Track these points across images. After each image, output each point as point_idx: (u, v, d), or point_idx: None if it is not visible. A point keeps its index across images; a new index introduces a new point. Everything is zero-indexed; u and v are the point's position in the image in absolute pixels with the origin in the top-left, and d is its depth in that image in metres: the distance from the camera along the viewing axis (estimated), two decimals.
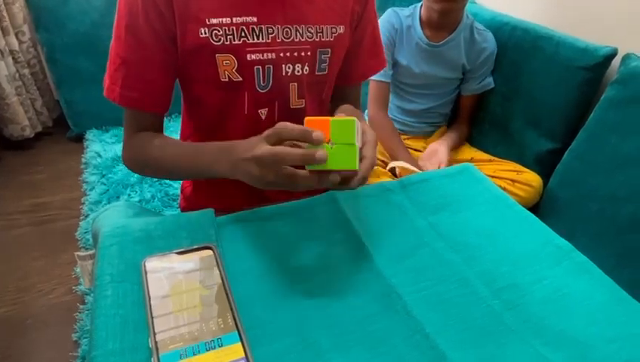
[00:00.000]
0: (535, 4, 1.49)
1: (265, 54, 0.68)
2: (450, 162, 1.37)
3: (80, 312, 1.21)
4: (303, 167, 0.52)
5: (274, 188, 0.55)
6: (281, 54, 0.69)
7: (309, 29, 0.70)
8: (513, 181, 1.32)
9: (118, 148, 1.78)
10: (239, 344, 0.43)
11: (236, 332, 0.44)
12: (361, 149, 0.53)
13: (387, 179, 1.30)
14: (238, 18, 0.65)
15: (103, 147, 1.82)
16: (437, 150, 1.37)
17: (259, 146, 0.53)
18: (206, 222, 0.59)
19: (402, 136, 1.51)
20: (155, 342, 0.42)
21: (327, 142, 0.51)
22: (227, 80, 0.68)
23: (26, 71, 1.87)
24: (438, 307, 0.51)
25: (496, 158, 1.44)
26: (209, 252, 0.53)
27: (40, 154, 1.93)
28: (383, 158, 1.42)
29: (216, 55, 0.66)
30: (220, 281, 0.49)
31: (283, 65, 0.70)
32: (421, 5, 1.39)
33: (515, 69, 1.42)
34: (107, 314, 0.46)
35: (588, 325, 0.50)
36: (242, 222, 0.61)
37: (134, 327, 0.45)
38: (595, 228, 1.15)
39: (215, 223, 0.59)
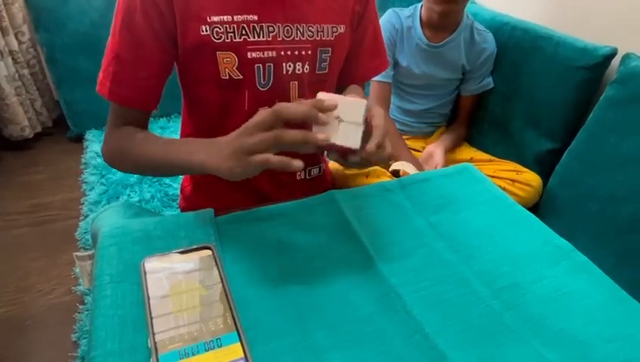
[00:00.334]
0: (535, 4, 1.49)
1: (265, 52, 0.68)
2: (450, 162, 1.37)
3: (79, 312, 1.21)
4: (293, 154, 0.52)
5: (254, 165, 0.52)
6: (282, 53, 0.69)
7: (310, 28, 0.70)
8: (513, 181, 1.32)
9: None
10: (238, 344, 0.43)
11: (235, 332, 0.44)
12: (368, 128, 0.54)
13: (387, 179, 1.30)
14: (239, 16, 0.65)
15: None
16: (433, 153, 1.37)
17: (249, 135, 0.52)
18: (205, 222, 0.59)
19: (402, 136, 1.51)
20: (154, 343, 0.42)
21: (336, 118, 0.52)
22: (228, 78, 0.68)
23: (26, 71, 1.87)
24: (438, 307, 0.51)
25: (495, 158, 1.44)
26: (208, 252, 0.53)
27: (40, 154, 1.93)
28: None
29: (217, 53, 0.66)
30: (220, 281, 0.49)
31: (283, 64, 0.70)
32: (421, 6, 1.39)
33: (515, 69, 1.42)
34: (106, 314, 0.46)
35: (587, 325, 0.50)
36: (242, 222, 0.61)
37: (133, 327, 0.45)
38: (594, 228, 1.15)
39: (214, 223, 0.59)
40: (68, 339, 1.15)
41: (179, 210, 0.95)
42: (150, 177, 1.58)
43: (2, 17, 1.72)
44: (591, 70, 1.21)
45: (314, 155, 0.85)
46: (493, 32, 1.44)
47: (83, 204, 1.58)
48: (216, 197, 0.81)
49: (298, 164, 0.51)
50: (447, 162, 1.44)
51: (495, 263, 0.57)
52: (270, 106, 0.73)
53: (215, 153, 0.57)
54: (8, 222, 1.55)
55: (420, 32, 1.38)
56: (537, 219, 0.65)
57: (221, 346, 0.43)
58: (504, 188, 1.23)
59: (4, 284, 1.31)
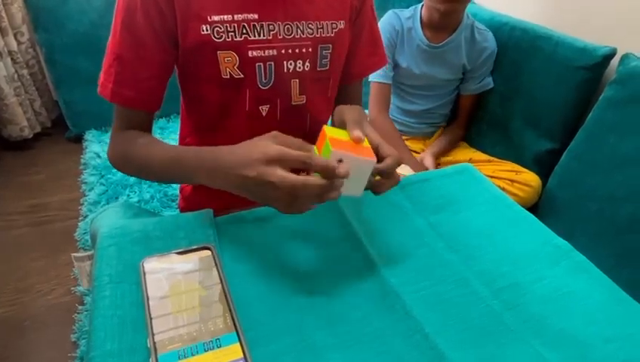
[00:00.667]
0: (534, 4, 1.49)
1: (266, 51, 0.68)
2: (449, 163, 1.38)
3: (79, 313, 1.21)
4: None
5: (266, 204, 0.53)
6: (283, 51, 0.69)
7: (310, 25, 0.70)
8: (512, 181, 1.32)
9: None
10: (238, 344, 0.43)
11: (235, 332, 0.44)
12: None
13: None
14: (240, 15, 0.65)
15: (102, 147, 1.82)
16: (423, 159, 1.39)
17: (272, 170, 0.50)
18: (205, 223, 0.59)
19: (402, 137, 1.52)
20: (154, 343, 0.42)
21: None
22: (228, 77, 0.68)
23: (25, 71, 1.87)
24: (438, 307, 0.51)
25: (495, 159, 1.44)
26: (208, 252, 0.53)
27: (39, 154, 1.93)
28: None
29: (218, 52, 0.66)
30: (219, 282, 0.49)
31: (284, 62, 0.70)
32: (421, 6, 1.39)
33: (514, 69, 1.42)
34: (105, 314, 0.46)
35: (587, 324, 0.50)
36: (241, 223, 0.61)
37: (133, 328, 0.45)
38: (593, 228, 1.15)
39: (214, 223, 0.59)
40: (67, 340, 1.15)
41: (178, 210, 0.95)
42: (134, 177, 1.58)
43: (1, 18, 1.72)
44: (590, 70, 1.22)
45: None
46: (493, 32, 1.44)
47: (82, 204, 1.58)
48: (215, 198, 0.80)
49: (335, 195, 0.51)
50: (445, 164, 1.45)
51: (495, 263, 0.57)
52: (271, 105, 0.74)
53: (222, 182, 0.56)
54: (7, 222, 1.55)
55: (420, 32, 1.38)
56: (537, 219, 0.65)
57: (220, 346, 0.43)
58: (503, 189, 1.23)
59: (3, 284, 1.31)
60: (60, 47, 1.79)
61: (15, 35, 1.81)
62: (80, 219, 1.53)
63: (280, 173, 0.49)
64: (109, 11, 0.66)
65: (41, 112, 1.99)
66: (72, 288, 1.30)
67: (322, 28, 0.71)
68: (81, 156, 1.82)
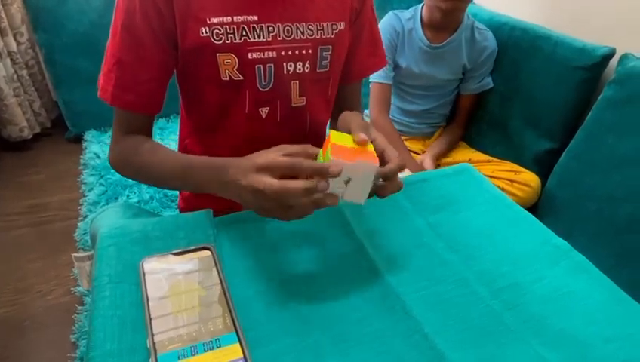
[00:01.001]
0: (534, 4, 1.50)
1: (266, 53, 0.68)
2: (448, 164, 1.38)
3: (78, 313, 1.21)
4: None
5: (267, 216, 0.53)
6: (282, 52, 0.69)
7: (310, 27, 0.70)
8: (511, 181, 1.32)
9: None
10: (237, 344, 0.43)
11: (234, 332, 0.44)
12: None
13: None
14: (239, 17, 0.65)
15: (102, 148, 1.82)
16: (422, 161, 1.40)
17: (262, 176, 0.50)
18: (204, 223, 0.59)
19: (401, 137, 1.52)
20: (154, 343, 0.42)
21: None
22: (228, 79, 0.68)
23: (25, 72, 1.87)
24: (437, 307, 0.51)
25: (494, 159, 1.44)
26: (207, 252, 0.53)
27: (38, 155, 1.93)
28: None
29: (217, 54, 0.65)
30: (219, 282, 0.49)
31: (284, 64, 0.70)
32: (422, 7, 1.39)
33: (514, 69, 1.42)
34: (105, 314, 0.46)
35: (587, 324, 0.50)
36: (241, 223, 0.61)
37: (132, 328, 0.45)
38: (593, 228, 1.15)
39: (213, 224, 0.59)
40: (67, 340, 1.15)
41: (178, 210, 0.95)
42: (138, 182, 1.58)
43: (1, 18, 1.72)
44: (589, 70, 1.22)
45: None
46: (492, 32, 1.44)
47: (82, 204, 1.57)
48: (215, 198, 0.80)
49: (333, 200, 0.51)
50: (445, 165, 1.45)
51: (494, 263, 0.57)
52: (271, 107, 0.74)
53: (228, 192, 0.57)
54: (7, 222, 1.55)
55: (420, 33, 1.38)
56: (536, 219, 0.66)
57: (220, 347, 0.43)
58: (502, 189, 1.23)
59: (3, 285, 1.31)
60: (60, 48, 1.79)
61: (14, 36, 1.81)
62: (79, 219, 1.53)
63: (266, 180, 0.49)
64: (109, 11, 0.66)
65: (40, 113, 1.99)
66: (72, 288, 1.30)
67: (322, 29, 0.71)
68: (81, 156, 1.82)
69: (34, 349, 1.15)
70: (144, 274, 0.49)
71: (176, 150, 0.83)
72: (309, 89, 0.75)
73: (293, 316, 0.49)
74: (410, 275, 0.55)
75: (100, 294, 0.48)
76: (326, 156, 0.51)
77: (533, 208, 1.32)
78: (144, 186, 1.58)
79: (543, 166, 1.35)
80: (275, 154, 0.52)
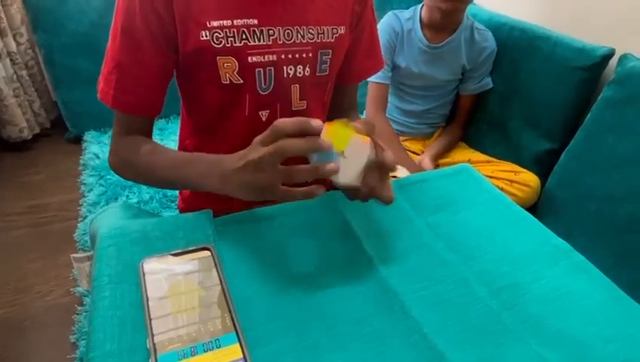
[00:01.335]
0: (533, 4, 1.50)
1: (266, 56, 0.68)
2: (448, 164, 1.38)
3: (78, 314, 1.21)
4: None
5: (269, 198, 0.53)
6: (282, 56, 0.69)
7: (310, 31, 0.70)
8: (511, 181, 1.32)
9: None
10: (237, 345, 0.43)
11: (234, 333, 0.44)
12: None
13: None
14: (239, 20, 0.65)
15: (102, 148, 1.82)
16: (421, 161, 1.40)
17: (254, 150, 0.51)
18: (204, 223, 0.59)
19: (401, 138, 1.52)
20: (153, 344, 0.42)
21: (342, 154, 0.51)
22: (228, 82, 0.68)
23: (24, 72, 1.87)
24: (437, 307, 0.51)
25: (494, 159, 1.44)
26: (207, 253, 0.53)
27: (38, 155, 1.93)
28: None
29: (218, 58, 0.65)
30: (219, 282, 0.49)
31: (284, 67, 0.70)
32: (421, 7, 1.39)
33: (513, 70, 1.42)
34: (105, 315, 0.46)
35: (586, 325, 0.50)
36: (240, 223, 0.61)
37: (132, 328, 0.45)
38: (593, 228, 1.15)
39: (213, 224, 0.59)
40: (66, 340, 1.15)
41: (177, 211, 0.95)
42: (139, 183, 1.58)
43: (0, 19, 1.72)
44: (588, 70, 1.22)
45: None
46: (492, 32, 1.44)
47: (81, 205, 1.57)
48: (214, 199, 0.80)
49: (320, 190, 0.51)
50: (444, 165, 1.45)
51: (494, 263, 0.57)
52: (271, 110, 0.74)
53: (226, 182, 0.57)
54: (7, 223, 1.55)
55: (420, 33, 1.38)
56: (535, 219, 0.66)
57: (220, 347, 0.43)
58: (502, 189, 1.23)
59: (2, 285, 1.31)
60: (59, 48, 1.79)
61: (14, 36, 1.81)
62: (79, 219, 1.53)
63: (261, 149, 0.50)
64: (108, 12, 0.66)
65: (40, 113, 1.99)
66: (72, 289, 1.30)
67: (322, 33, 0.71)
68: (81, 157, 1.82)
69: (34, 349, 1.15)
70: (144, 275, 0.49)
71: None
72: (309, 93, 0.75)
73: (293, 316, 0.49)
74: (410, 275, 0.55)
75: (99, 294, 0.48)
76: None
77: (533, 208, 1.32)
78: (144, 187, 1.58)
79: (542, 166, 1.35)
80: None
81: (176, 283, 0.49)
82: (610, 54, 1.19)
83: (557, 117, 1.31)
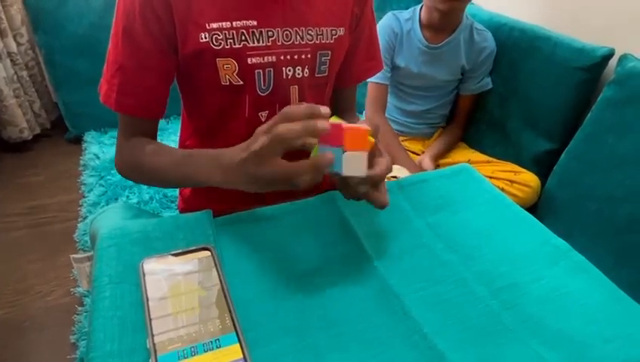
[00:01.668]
0: (533, 4, 1.50)
1: (265, 57, 0.68)
2: (448, 165, 1.38)
3: (78, 314, 1.21)
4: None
5: (273, 188, 0.52)
6: (282, 57, 0.69)
7: (309, 32, 0.70)
8: (511, 181, 1.32)
9: None
10: (237, 345, 0.43)
11: (234, 333, 0.44)
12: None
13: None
14: (238, 22, 0.65)
15: (102, 149, 1.82)
16: (421, 161, 1.40)
17: (255, 141, 0.51)
18: (204, 224, 0.59)
19: (401, 138, 1.52)
20: (154, 344, 0.42)
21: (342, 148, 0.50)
22: (228, 84, 0.68)
23: (24, 73, 1.87)
24: (437, 307, 0.51)
25: (493, 160, 1.44)
26: (207, 253, 0.53)
27: (38, 156, 1.93)
28: None
29: (217, 59, 0.65)
30: (219, 282, 0.49)
31: (283, 68, 0.70)
32: (421, 7, 1.39)
33: (513, 70, 1.42)
34: (105, 315, 0.46)
35: (586, 324, 0.50)
36: (240, 223, 0.61)
37: (132, 329, 0.45)
38: (592, 228, 1.15)
39: (213, 224, 0.59)
40: (66, 341, 1.15)
41: (177, 211, 0.95)
42: (144, 184, 1.58)
43: (1, 19, 1.72)
44: (588, 71, 1.22)
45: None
46: (491, 32, 1.44)
47: (82, 205, 1.58)
48: (214, 199, 0.81)
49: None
50: (444, 165, 1.45)
51: (494, 263, 0.57)
52: (270, 111, 0.74)
53: (230, 175, 0.56)
54: (7, 223, 1.55)
55: (419, 33, 1.39)
56: (535, 219, 0.66)
57: (220, 347, 0.43)
58: (502, 189, 1.23)
59: (2, 286, 1.31)
60: (60, 49, 1.79)
61: (14, 37, 1.82)
62: (79, 220, 1.53)
63: (263, 138, 0.49)
64: (109, 13, 0.66)
65: (40, 114, 1.99)
66: (72, 289, 1.30)
67: (322, 34, 0.71)
68: (81, 157, 1.82)
69: (34, 350, 1.15)
70: (144, 275, 0.49)
71: None
72: (308, 93, 0.75)
73: (293, 316, 0.49)
74: (410, 275, 0.55)
75: (100, 295, 0.48)
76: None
77: (533, 208, 1.32)
78: (144, 187, 1.58)
79: (542, 166, 1.35)
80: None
81: (176, 283, 0.49)
82: (610, 54, 1.19)
83: (557, 117, 1.31)
